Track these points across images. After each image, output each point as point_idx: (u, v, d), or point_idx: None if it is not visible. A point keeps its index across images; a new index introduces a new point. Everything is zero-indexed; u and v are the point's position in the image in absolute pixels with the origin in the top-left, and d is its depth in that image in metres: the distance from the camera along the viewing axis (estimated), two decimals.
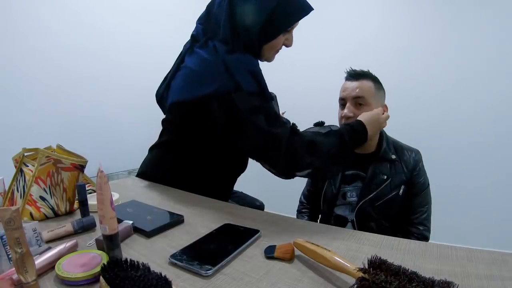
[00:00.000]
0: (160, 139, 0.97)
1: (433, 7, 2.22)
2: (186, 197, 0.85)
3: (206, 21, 0.86)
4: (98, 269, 0.43)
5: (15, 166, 0.70)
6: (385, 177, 1.04)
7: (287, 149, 0.72)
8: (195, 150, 0.88)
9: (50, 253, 0.48)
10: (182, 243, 0.55)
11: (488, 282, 0.43)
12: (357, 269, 0.39)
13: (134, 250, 0.54)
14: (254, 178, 1.54)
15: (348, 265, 0.41)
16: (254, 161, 0.84)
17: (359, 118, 0.87)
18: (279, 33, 0.82)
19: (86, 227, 0.61)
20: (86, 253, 0.49)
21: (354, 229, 1.05)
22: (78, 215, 0.67)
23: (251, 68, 0.77)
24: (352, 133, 0.81)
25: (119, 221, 0.56)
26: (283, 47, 0.88)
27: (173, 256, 0.50)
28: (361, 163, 1.08)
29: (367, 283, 0.37)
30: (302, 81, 2.83)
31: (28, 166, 0.68)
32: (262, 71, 0.81)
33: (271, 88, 0.86)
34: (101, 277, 0.38)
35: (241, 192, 1.14)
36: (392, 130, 1.16)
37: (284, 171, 0.76)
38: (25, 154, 0.70)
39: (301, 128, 0.89)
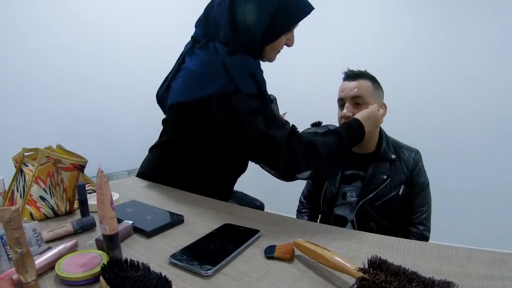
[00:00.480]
0: (160, 139, 0.97)
1: (434, 7, 2.22)
2: (186, 197, 0.85)
3: (205, 23, 0.86)
4: (98, 269, 0.43)
5: (15, 166, 0.70)
6: (385, 177, 1.04)
7: (286, 151, 0.72)
8: (195, 150, 0.88)
9: (50, 253, 0.48)
10: (182, 243, 0.55)
11: (488, 282, 0.43)
12: (357, 269, 0.39)
13: (134, 250, 0.54)
14: (254, 178, 1.54)
15: (348, 265, 0.41)
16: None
17: (355, 116, 0.87)
18: (281, 34, 0.82)
19: (86, 227, 0.61)
20: (86, 253, 0.49)
21: (354, 229, 1.05)
22: (78, 215, 0.67)
23: (251, 71, 0.78)
24: (350, 131, 0.81)
25: (119, 221, 0.56)
26: (284, 46, 0.88)
27: (173, 256, 0.50)
28: (361, 163, 1.08)
29: (367, 283, 0.37)
30: (302, 81, 2.83)
31: (28, 166, 0.68)
32: (264, 72, 0.82)
33: (271, 88, 0.86)
34: (101, 277, 0.38)
35: (241, 192, 1.14)
36: (392, 130, 1.16)
37: (284, 174, 0.76)
38: (25, 154, 0.70)
39: (300, 128, 0.90)
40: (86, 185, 0.69)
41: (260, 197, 1.17)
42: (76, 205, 0.73)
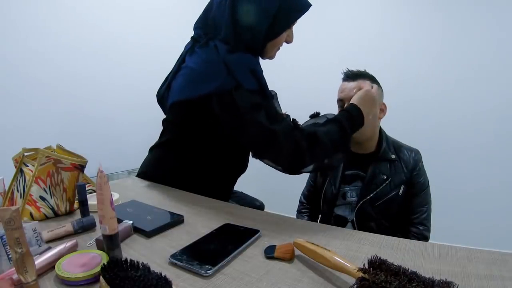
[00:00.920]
0: (160, 140, 0.97)
1: (434, 7, 2.22)
2: (186, 197, 0.85)
3: (204, 24, 0.87)
4: (98, 269, 0.43)
5: (15, 166, 0.70)
6: (385, 177, 1.04)
7: (289, 145, 0.72)
8: (195, 150, 0.88)
9: (50, 253, 0.48)
10: (182, 243, 0.55)
11: (488, 282, 0.43)
12: (357, 269, 0.39)
13: (134, 250, 0.54)
14: (254, 178, 1.54)
15: (348, 265, 0.41)
16: (255, 161, 0.84)
17: (351, 101, 0.86)
18: (283, 30, 0.84)
19: (86, 227, 0.61)
20: (86, 253, 0.49)
21: (354, 229, 1.05)
22: (78, 215, 0.67)
23: (252, 67, 0.78)
24: (349, 117, 0.81)
25: (119, 221, 0.55)
26: (284, 44, 0.89)
27: (173, 256, 0.50)
28: (361, 163, 1.08)
29: (367, 283, 0.37)
30: (302, 81, 2.83)
31: (28, 166, 0.68)
32: (263, 71, 0.82)
33: (271, 88, 0.87)
34: (101, 277, 0.38)
35: (241, 192, 1.14)
36: (392, 130, 1.16)
37: (289, 167, 0.76)
38: (25, 154, 0.70)
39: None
40: (86, 185, 0.69)
41: (260, 197, 1.17)
42: (76, 205, 0.73)
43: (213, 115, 0.78)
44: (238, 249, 0.52)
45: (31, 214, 0.65)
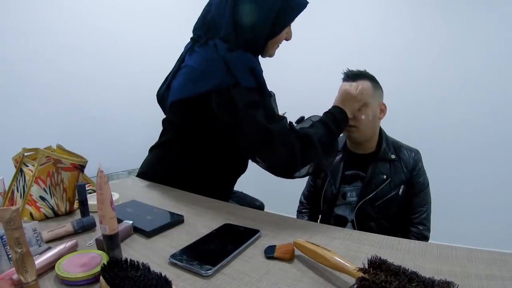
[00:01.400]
0: (160, 140, 0.97)
1: (434, 7, 2.22)
2: (186, 197, 0.85)
3: (203, 25, 0.87)
4: (98, 269, 0.43)
5: (15, 166, 0.70)
6: (385, 176, 1.04)
7: (285, 146, 0.73)
8: (195, 150, 0.88)
9: (50, 253, 0.48)
10: (182, 243, 0.55)
11: (488, 282, 0.43)
12: (357, 269, 0.39)
13: (134, 250, 0.54)
14: (254, 178, 1.54)
15: (348, 265, 0.41)
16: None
17: (334, 103, 0.91)
18: (284, 28, 0.86)
19: (86, 227, 0.61)
20: (86, 253, 0.49)
21: (354, 229, 1.05)
22: (78, 215, 0.67)
23: (251, 65, 0.79)
24: (333, 118, 0.85)
25: (119, 221, 0.55)
26: (283, 41, 0.91)
27: (173, 256, 0.50)
28: (361, 163, 1.08)
29: (367, 283, 0.37)
30: (301, 81, 2.83)
31: (28, 166, 0.68)
32: (263, 71, 0.83)
33: (271, 88, 0.87)
34: (101, 277, 0.38)
35: (241, 192, 1.14)
36: (392, 130, 1.16)
37: (282, 169, 0.77)
38: (25, 154, 0.70)
39: None
40: (86, 185, 0.69)
41: (260, 197, 1.17)
42: (76, 205, 0.73)
43: (212, 114, 0.79)
44: (238, 249, 0.52)
45: (31, 214, 0.65)
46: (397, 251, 0.53)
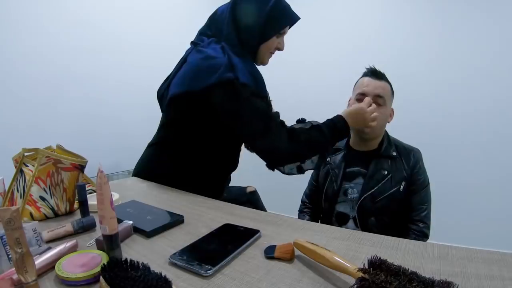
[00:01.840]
0: (154, 138, 1.00)
1: (434, 6, 2.22)
2: (186, 197, 0.85)
3: (207, 30, 0.93)
4: (98, 269, 0.43)
5: (15, 166, 0.70)
6: (386, 172, 1.05)
7: (278, 133, 0.82)
8: (188, 147, 0.91)
9: (50, 253, 0.48)
10: (182, 243, 0.55)
11: (488, 282, 0.43)
12: (357, 269, 0.39)
13: (134, 250, 0.54)
14: (254, 178, 1.54)
15: (348, 265, 0.41)
16: (254, 161, 0.85)
17: (343, 112, 0.93)
18: (274, 33, 0.90)
19: (86, 227, 0.61)
20: (86, 253, 0.49)
21: (356, 225, 1.06)
22: (78, 215, 0.67)
23: (253, 71, 0.85)
24: (331, 126, 0.89)
25: (119, 221, 0.55)
26: (276, 52, 0.96)
27: (173, 256, 0.50)
28: (362, 160, 1.09)
29: (367, 283, 0.37)
30: (300, 81, 2.83)
31: (28, 166, 0.68)
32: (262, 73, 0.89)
33: (269, 89, 0.89)
34: (101, 277, 0.38)
35: (231, 186, 1.16)
36: (392, 130, 1.16)
37: (275, 157, 0.87)
38: (25, 154, 0.70)
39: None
40: (86, 185, 0.69)
41: (260, 197, 1.17)
42: (76, 205, 0.73)
43: (210, 109, 0.83)
44: (238, 249, 0.52)
45: (31, 214, 0.65)
46: (397, 251, 0.53)
